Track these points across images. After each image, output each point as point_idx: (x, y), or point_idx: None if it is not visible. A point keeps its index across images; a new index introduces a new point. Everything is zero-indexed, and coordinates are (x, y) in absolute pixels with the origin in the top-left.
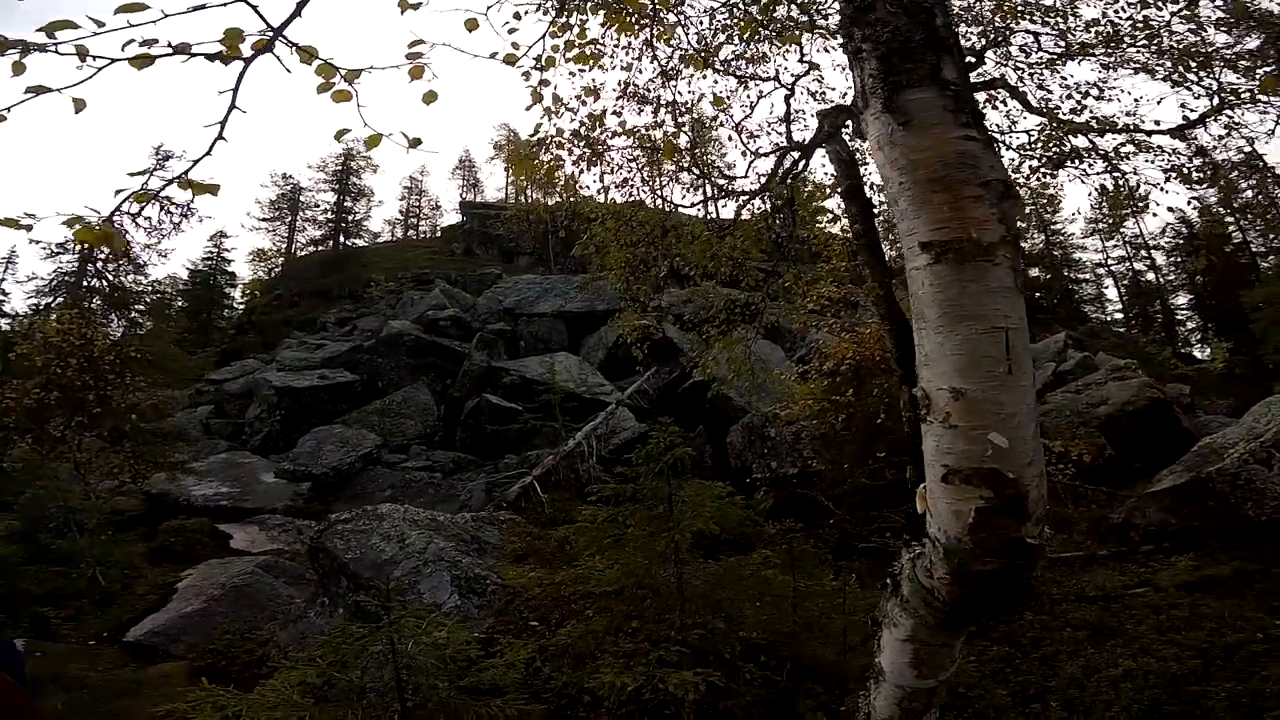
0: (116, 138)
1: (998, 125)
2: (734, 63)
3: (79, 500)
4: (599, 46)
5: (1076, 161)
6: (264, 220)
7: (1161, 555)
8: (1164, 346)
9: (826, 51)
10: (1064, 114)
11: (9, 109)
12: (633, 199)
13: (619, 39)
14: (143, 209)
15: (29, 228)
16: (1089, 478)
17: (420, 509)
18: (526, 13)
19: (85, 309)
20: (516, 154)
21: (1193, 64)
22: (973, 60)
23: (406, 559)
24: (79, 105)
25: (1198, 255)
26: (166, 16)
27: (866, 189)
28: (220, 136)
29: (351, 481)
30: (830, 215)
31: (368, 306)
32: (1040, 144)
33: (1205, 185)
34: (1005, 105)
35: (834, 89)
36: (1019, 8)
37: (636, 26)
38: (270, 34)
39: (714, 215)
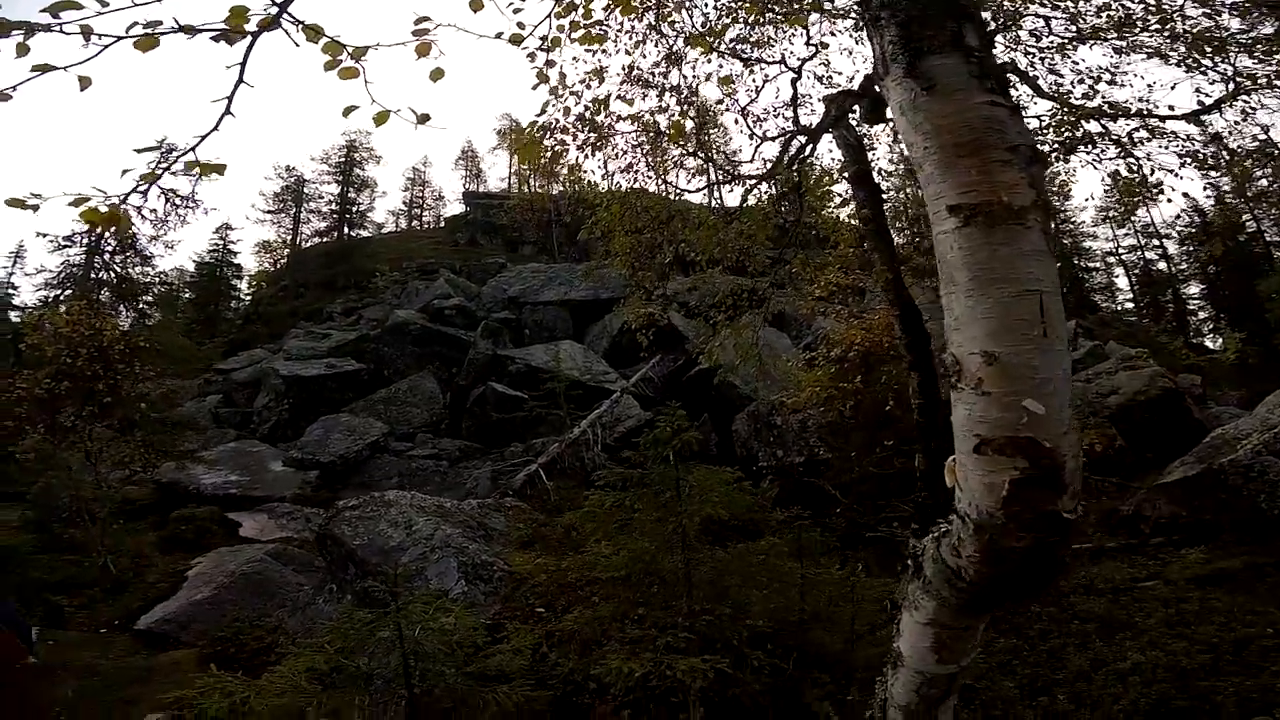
0: (120, 126)
1: None
2: (739, 46)
3: (90, 489)
4: (605, 27)
5: (1089, 147)
6: (269, 212)
7: (1171, 548)
8: (1175, 336)
9: (834, 35)
10: (1075, 99)
11: (14, 87)
12: (637, 184)
13: (623, 22)
14: (150, 189)
15: (35, 208)
16: (1099, 468)
17: (427, 496)
18: None
19: (94, 300)
20: (521, 139)
21: (1207, 49)
22: None
23: (414, 545)
24: (84, 83)
25: (1212, 242)
26: None
27: (874, 175)
28: (228, 111)
29: (359, 469)
30: (840, 199)
31: (373, 296)
32: (1052, 129)
33: (1220, 172)
34: (1016, 90)
35: (840, 73)
36: None
37: (641, 9)
38: (276, 9)
39: (718, 202)
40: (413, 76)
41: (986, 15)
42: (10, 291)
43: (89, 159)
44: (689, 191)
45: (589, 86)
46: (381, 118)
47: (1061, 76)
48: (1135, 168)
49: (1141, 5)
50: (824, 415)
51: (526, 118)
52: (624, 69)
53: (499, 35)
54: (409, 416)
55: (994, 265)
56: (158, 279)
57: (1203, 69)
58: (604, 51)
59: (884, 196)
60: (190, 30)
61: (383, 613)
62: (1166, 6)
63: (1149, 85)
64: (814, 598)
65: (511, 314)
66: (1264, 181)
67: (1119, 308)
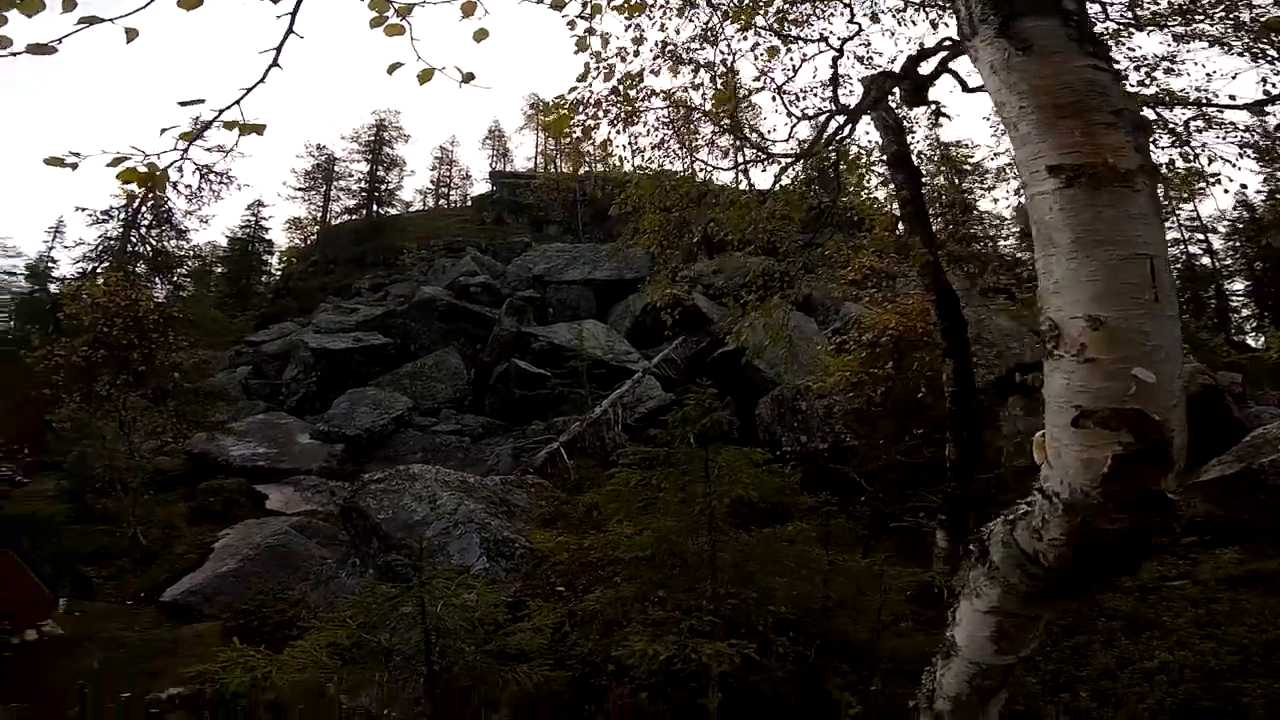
0: (158, 95)
1: None
2: (778, 24)
3: (124, 459)
4: None
5: None
6: (300, 190)
7: (1203, 547)
8: (1216, 333)
9: (875, 19)
10: (1131, 86)
11: (61, 40)
12: (667, 161)
13: None
14: (189, 148)
15: (74, 166)
16: None
17: (451, 471)
18: None
19: (130, 272)
20: (556, 108)
21: (1275, 37)
22: None
23: (437, 520)
24: (131, 34)
25: (1272, 233)
26: None
27: (913, 158)
28: (275, 63)
29: (384, 443)
30: (880, 177)
31: (400, 273)
32: None
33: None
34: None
35: (880, 54)
36: None
37: None
38: None
39: (748, 183)
40: (456, 40)
41: None
42: (50, 264)
43: (129, 125)
44: (720, 169)
45: (624, 59)
46: (426, 75)
47: (1118, 63)
48: (1190, 157)
49: None
50: (851, 401)
51: (554, 98)
52: (657, 45)
53: (540, 0)
54: (433, 391)
55: (1099, 227)
56: (192, 253)
57: (1270, 58)
58: (638, 27)
59: (923, 178)
60: None
61: (406, 587)
62: None
63: (1208, 74)
64: (839, 585)
65: (536, 292)
66: None
67: None
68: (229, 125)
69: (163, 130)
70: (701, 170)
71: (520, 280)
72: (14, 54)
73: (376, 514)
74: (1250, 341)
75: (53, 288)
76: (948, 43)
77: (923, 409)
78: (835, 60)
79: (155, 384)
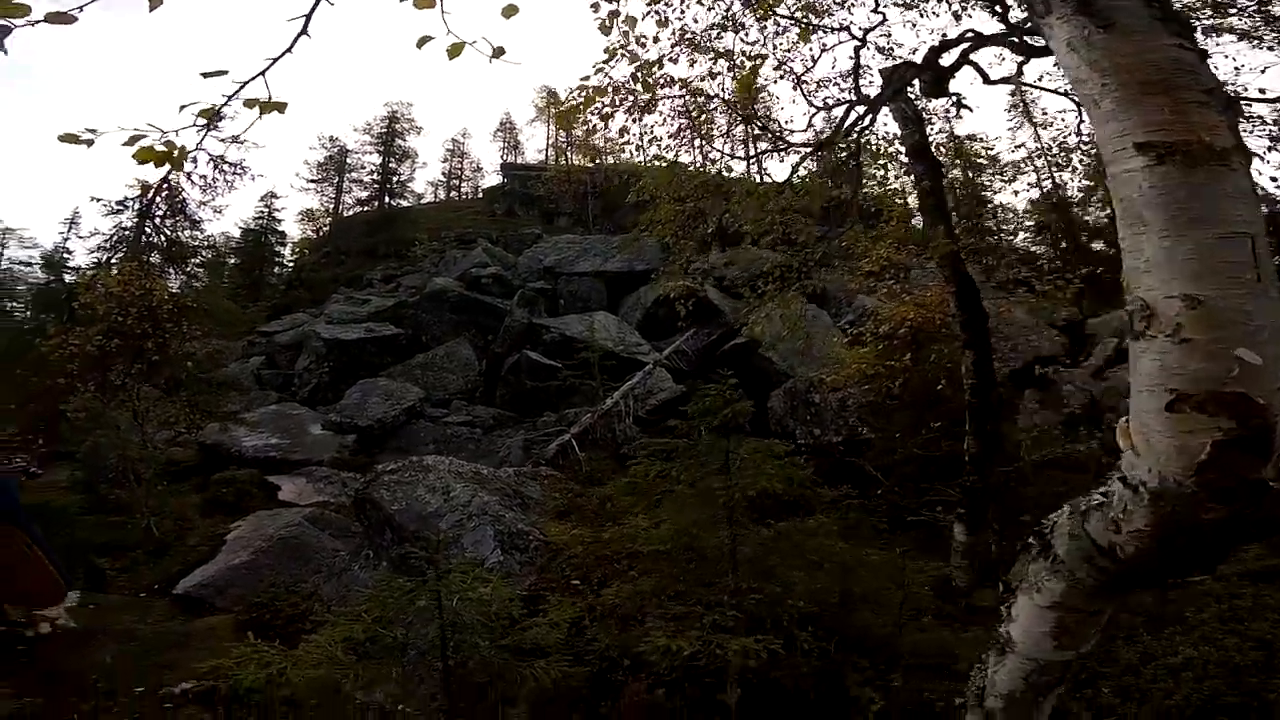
0: (177, 85)
1: None
2: (800, 12)
3: (137, 450)
4: None
5: None
6: (312, 181)
7: None
8: None
9: (898, 7)
10: None
11: (81, 7)
12: (683, 150)
13: None
14: (209, 126)
15: (90, 143)
16: None
17: (464, 462)
18: None
19: (144, 262)
20: (580, 90)
21: None
22: None
23: (451, 512)
24: (154, 3)
25: None
26: None
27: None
28: (304, 31)
29: (395, 434)
30: (899, 168)
31: (412, 265)
32: None
33: None
34: None
35: (900, 45)
36: None
37: None
38: None
39: (764, 175)
40: (485, 17)
41: None
42: (65, 255)
43: (146, 116)
44: (736, 158)
45: (643, 46)
46: (456, 49)
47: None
48: None
49: None
50: (865, 394)
51: (565, 92)
52: (675, 32)
53: None
54: (445, 383)
55: (1194, 205)
56: (205, 243)
57: None
58: (663, 8)
59: (943, 169)
60: None
61: (422, 582)
62: None
63: (1236, 68)
64: (859, 580)
65: (547, 284)
66: None
67: None
68: (249, 103)
69: (182, 107)
70: (716, 160)
71: (531, 272)
72: (33, 23)
73: (390, 505)
74: None
75: (68, 278)
76: (970, 34)
77: (941, 401)
78: (857, 50)
79: (169, 374)
